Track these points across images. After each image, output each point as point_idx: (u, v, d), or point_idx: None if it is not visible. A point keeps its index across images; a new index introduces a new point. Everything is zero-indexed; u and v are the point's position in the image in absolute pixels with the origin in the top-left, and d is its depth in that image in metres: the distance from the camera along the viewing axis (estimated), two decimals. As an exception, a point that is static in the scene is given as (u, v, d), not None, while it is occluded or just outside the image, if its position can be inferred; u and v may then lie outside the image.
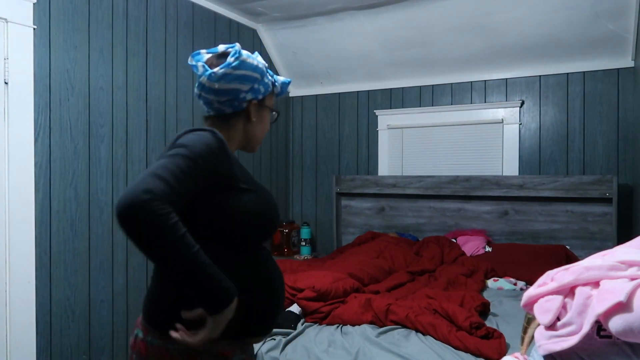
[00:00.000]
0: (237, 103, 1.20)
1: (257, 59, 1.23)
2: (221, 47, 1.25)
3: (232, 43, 1.29)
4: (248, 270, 1.12)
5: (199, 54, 1.23)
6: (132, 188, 0.92)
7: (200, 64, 1.19)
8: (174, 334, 1.01)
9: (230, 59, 1.17)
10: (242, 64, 1.18)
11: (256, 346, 1.98)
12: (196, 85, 1.21)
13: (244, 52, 1.21)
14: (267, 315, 1.15)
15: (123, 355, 2.68)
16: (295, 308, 2.23)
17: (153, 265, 1.10)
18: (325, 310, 2.15)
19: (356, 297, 2.24)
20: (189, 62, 1.23)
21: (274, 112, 1.30)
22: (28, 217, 2.20)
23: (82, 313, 2.46)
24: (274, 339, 2.00)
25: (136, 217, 0.90)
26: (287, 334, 2.03)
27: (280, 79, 1.30)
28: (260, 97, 1.23)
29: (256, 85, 1.21)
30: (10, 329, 2.14)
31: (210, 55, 1.24)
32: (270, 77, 1.26)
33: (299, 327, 2.11)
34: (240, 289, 1.04)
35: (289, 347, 1.95)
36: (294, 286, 2.31)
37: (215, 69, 1.16)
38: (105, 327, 2.58)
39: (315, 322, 2.15)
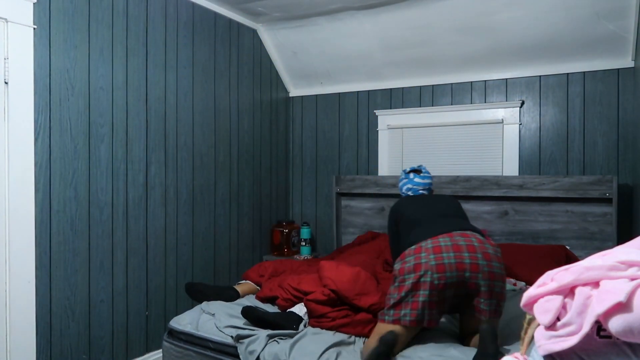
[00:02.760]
0: None
1: None
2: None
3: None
4: None
5: (426, 171, 2.56)
6: None
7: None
8: None
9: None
10: None
11: (258, 349, 1.98)
12: (428, 187, 2.51)
13: None
14: None
15: (123, 355, 2.69)
16: (297, 309, 2.22)
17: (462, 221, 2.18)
18: (333, 315, 2.13)
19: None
20: (429, 177, 2.56)
21: None
22: (28, 217, 2.20)
23: (82, 313, 2.46)
24: (277, 342, 1.99)
25: None
26: (290, 335, 2.03)
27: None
28: None
29: None
30: (10, 329, 2.14)
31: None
32: None
33: (301, 327, 2.11)
34: None
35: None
36: (298, 288, 2.29)
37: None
38: (105, 327, 2.58)
39: (321, 328, 2.10)
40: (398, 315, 1.86)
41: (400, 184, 2.56)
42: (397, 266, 1.97)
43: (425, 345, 1.88)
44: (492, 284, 1.86)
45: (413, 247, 1.97)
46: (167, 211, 2.96)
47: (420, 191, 2.48)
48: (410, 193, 2.49)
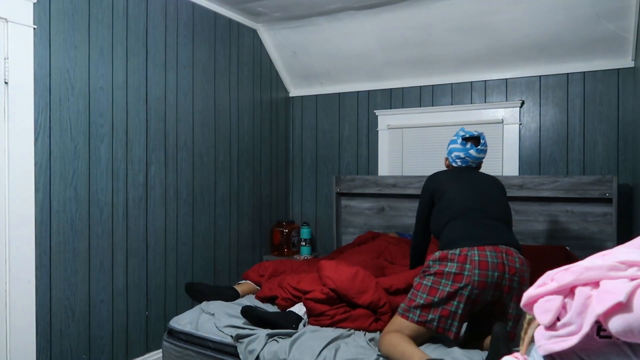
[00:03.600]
0: None
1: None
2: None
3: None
4: None
5: (484, 143, 2.25)
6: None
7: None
8: None
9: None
10: None
11: (258, 348, 1.98)
12: (480, 160, 2.26)
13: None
14: None
15: (123, 355, 2.69)
16: (297, 309, 2.22)
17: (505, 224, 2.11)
18: (331, 313, 2.14)
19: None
20: (485, 151, 2.27)
21: None
22: (28, 217, 2.20)
23: (82, 313, 2.46)
24: (277, 341, 1.99)
25: None
26: (289, 334, 2.03)
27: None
28: None
29: None
30: (10, 329, 2.14)
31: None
32: None
33: (300, 327, 2.11)
34: None
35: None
36: (297, 287, 2.30)
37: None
38: (105, 327, 2.58)
39: (320, 326, 2.13)
40: (425, 318, 1.85)
41: (451, 147, 2.28)
42: (434, 265, 1.91)
43: (429, 347, 1.88)
44: (518, 306, 1.84)
45: (457, 252, 1.88)
46: (167, 211, 2.96)
47: (470, 163, 2.25)
48: (458, 162, 2.25)
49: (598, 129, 3.13)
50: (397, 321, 1.90)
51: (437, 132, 3.64)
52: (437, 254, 1.95)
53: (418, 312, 1.86)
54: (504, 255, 1.87)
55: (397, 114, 3.78)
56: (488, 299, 1.86)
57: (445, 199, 2.14)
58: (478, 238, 1.92)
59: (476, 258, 1.84)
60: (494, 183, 2.19)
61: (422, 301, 1.86)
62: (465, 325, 2.06)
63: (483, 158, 2.27)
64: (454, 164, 2.28)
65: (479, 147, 2.23)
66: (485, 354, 1.79)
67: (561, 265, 0.87)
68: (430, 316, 1.84)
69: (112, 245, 2.61)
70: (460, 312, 1.82)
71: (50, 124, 2.31)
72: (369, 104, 3.94)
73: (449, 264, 1.87)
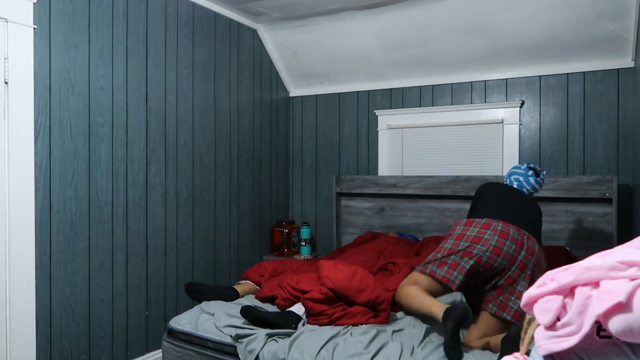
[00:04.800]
0: None
1: None
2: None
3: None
4: None
5: (543, 178, 2.36)
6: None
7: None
8: None
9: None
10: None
11: (257, 348, 1.98)
12: (533, 191, 2.32)
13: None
14: None
15: (123, 355, 2.69)
16: (296, 309, 2.22)
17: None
18: (330, 313, 2.14)
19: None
20: (541, 185, 2.35)
21: None
22: (28, 217, 2.20)
23: (82, 313, 2.46)
24: (276, 341, 2.00)
25: None
26: (288, 334, 2.03)
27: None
28: None
29: None
30: (10, 329, 2.14)
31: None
32: None
33: (300, 327, 2.11)
34: None
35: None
36: (296, 287, 2.30)
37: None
38: (105, 327, 2.58)
39: (318, 325, 2.13)
40: (434, 273, 1.99)
41: (512, 170, 2.40)
42: (458, 229, 2.06)
43: (430, 347, 1.88)
44: (527, 287, 1.88)
45: (483, 220, 2.05)
46: (167, 211, 2.96)
47: (524, 190, 2.35)
48: (515, 184, 2.36)
49: (598, 129, 3.13)
50: (412, 276, 2.04)
51: (437, 132, 3.64)
52: (464, 220, 2.10)
53: (430, 266, 2.02)
54: (525, 237, 2.01)
55: (397, 114, 3.78)
56: (499, 267, 1.94)
57: (486, 200, 2.29)
58: (506, 216, 2.08)
59: (499, 228, 1.99)
60: (534, 206, 2.28)
61: (438, 257, 2.01)
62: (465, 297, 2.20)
63: (536, 191, 2.38)
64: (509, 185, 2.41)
65: (537, 178, 2.37)
66: (491, 355, 1.81)
67: (561, 265, 0.87)
68: (439, 270, 1.99)
69: (112, 245, 2.61)
70: (468, 267, 1.94)
71: (50, 124, 2.31)
72: (369, 104, 3.94)
73: (471, 228, 2.04)
